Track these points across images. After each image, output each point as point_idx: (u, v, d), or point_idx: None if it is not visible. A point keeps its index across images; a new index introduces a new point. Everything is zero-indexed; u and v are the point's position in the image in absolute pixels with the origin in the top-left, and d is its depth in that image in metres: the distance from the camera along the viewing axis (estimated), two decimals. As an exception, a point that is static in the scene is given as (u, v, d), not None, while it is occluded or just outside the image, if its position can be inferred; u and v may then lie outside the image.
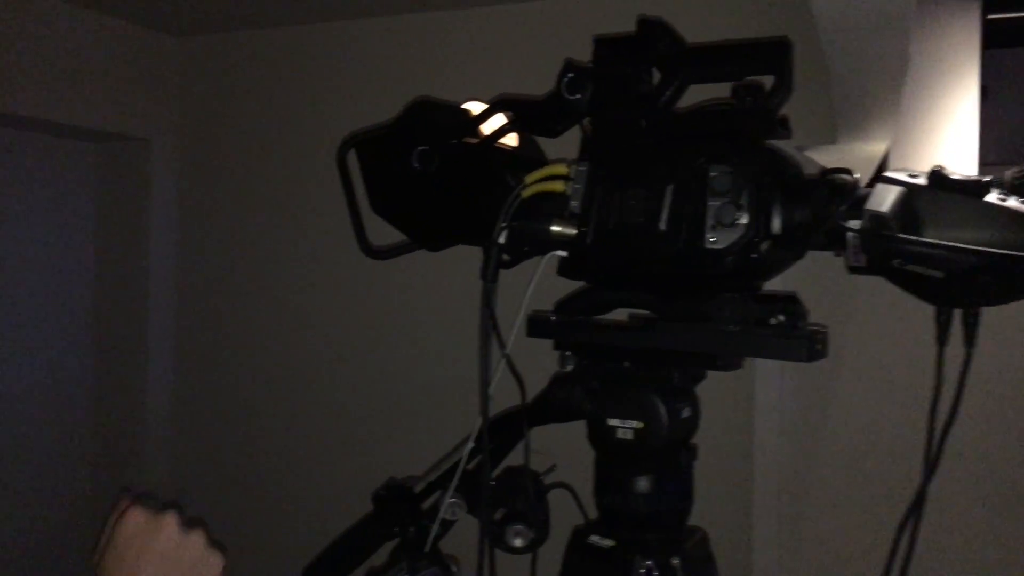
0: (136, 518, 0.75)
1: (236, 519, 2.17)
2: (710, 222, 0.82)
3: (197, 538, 0.76)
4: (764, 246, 0.82)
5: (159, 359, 2.29)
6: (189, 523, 0.77)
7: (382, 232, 1.03)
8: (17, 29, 1.93)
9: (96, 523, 2.26)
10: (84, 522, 2.35)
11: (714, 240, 0.81)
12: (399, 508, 1.04)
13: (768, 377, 1.51)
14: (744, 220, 0.80)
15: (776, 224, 0.82)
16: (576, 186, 0.89)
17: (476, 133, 0.96)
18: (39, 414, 2.26)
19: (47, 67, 2.00)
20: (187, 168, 2.26)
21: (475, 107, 1.00)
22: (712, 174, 0.82)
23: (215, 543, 0.78)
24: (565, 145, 0.97)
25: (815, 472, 1.54)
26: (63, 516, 2.32)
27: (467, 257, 1.01)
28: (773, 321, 0.83)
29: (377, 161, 0.98)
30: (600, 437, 0.90)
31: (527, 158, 1.01)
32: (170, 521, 0.75)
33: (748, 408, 1.51)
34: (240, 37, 2.19)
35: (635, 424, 0.88)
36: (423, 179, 0.93)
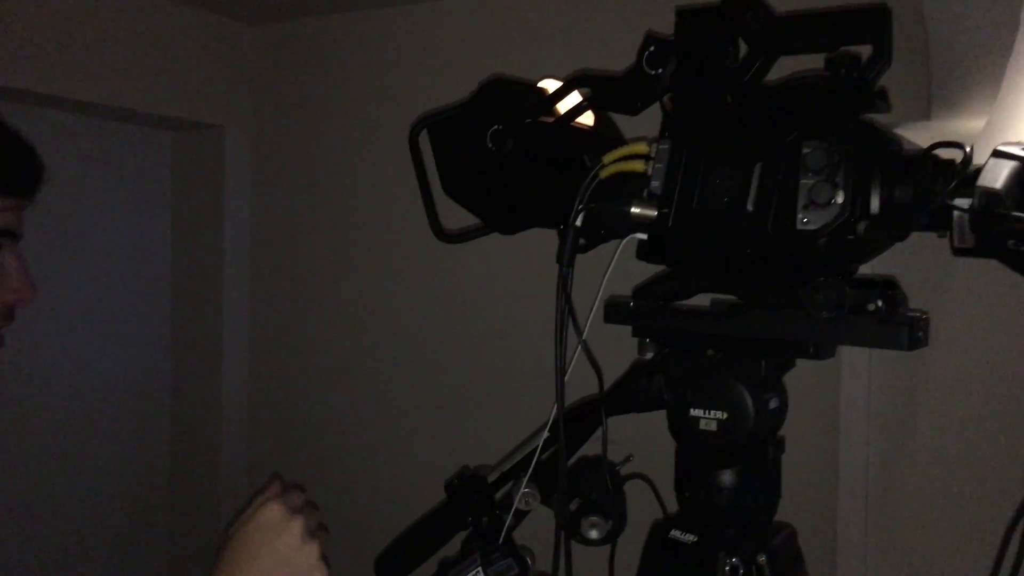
0: (273, 513, 0.85)
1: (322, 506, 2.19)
2: (802, 202, 0.77)
3: (312, 548, 0.86)
4: (861, 227, 0.77)
5: (234, 343, 2.32)
6: (312, 532, 0.87)
7: (455, 215, 1.01)
8: (92, 18, 1.96)
9: (174, 515, 2.29)
10: (161, 511, 2.40)
11: (806, 221, 0.77)
12: (472, 498, 1.02)
13: (855, 367, 1.44)
14: (840, 199, 0.75)
15: (875, 203, 0.76)
16: (657, 165, 0.85)
17: (552, 112, 0.93)
18: (118, 402, 2.30)
19: (122, 55, 2.03)
20: (260, 154, 2.28)
21: (551, 85, 0.96)
22: (805, 150, 0.77)
23: (324, 557, 0.88)
24: (641, 124, 0.93)
25: (905, 469, 1.47)
26: (141, 504, 2.37)
27: (542, 241, 0.97)
28: (871, 307, 0.78)
29: (450, 142, 0.95)
30: (682, 428, 0.86)
31: (604, 138, 0.98)
32: (297, 526, 0.85)
33: (834, 400, 1.45)
34: (311, 23, 2.19)
35: (719, 415, 0.84)
36: (497, 160, 0.90)
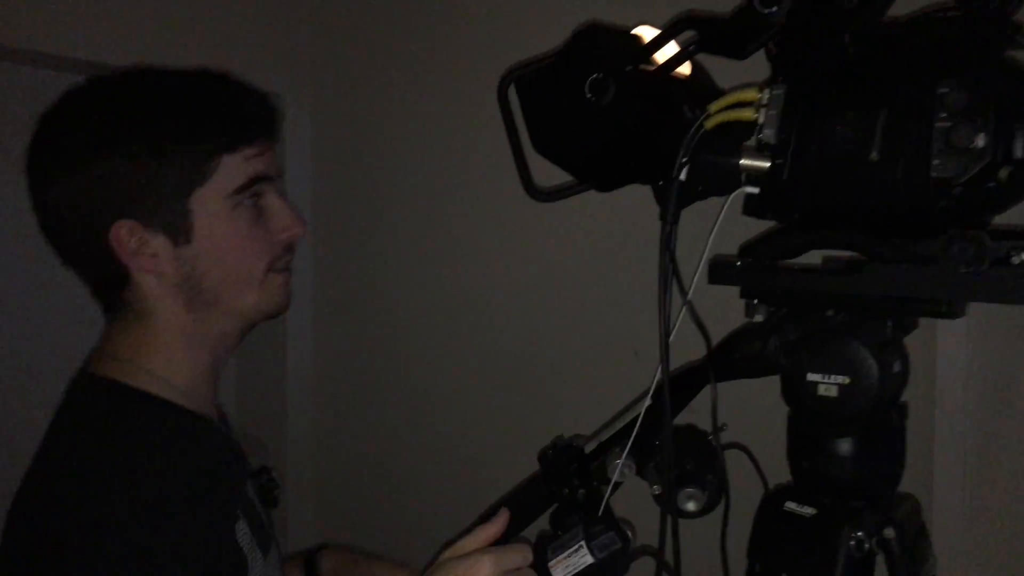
0: (484, 573, 0.80)
1: (389, 481, 2.16)
2: (937, 146, 0.71)
3: None
4: (1004, 174, 0.71)
5: (298, 316, 2.29)
6: None
7: (544, 174, 0.96)
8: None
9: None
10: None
11: (941, 167, 0.70)
12: (568, 469, 0.98)
13: (951, 330, 1.36)
14: (981, 143, 0.69)
15: (1019, 148, 0.70)
16: (770, 112, 0.79)
17: (651, 60, 0.87)
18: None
19: (179, 24, 2.00)
20: (322, 122, 2.24)
21: (647, 32, 0.90)
22: (942, 90, 0.70)
23: None
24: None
25: (1006, 438, 1.40)
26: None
27: (641, 197, 0.92)
28: (1015, 260, 0.72)
29: (542, 95, 0.90)
30: (798, 394, 0.81)
31: (702, 85, 0.92)
32: None
33: (930, 365, 1.38)
34: (368, -13, 2.14)
35: (841, 380, 0.79)
36: (595, 111, 0.85)
